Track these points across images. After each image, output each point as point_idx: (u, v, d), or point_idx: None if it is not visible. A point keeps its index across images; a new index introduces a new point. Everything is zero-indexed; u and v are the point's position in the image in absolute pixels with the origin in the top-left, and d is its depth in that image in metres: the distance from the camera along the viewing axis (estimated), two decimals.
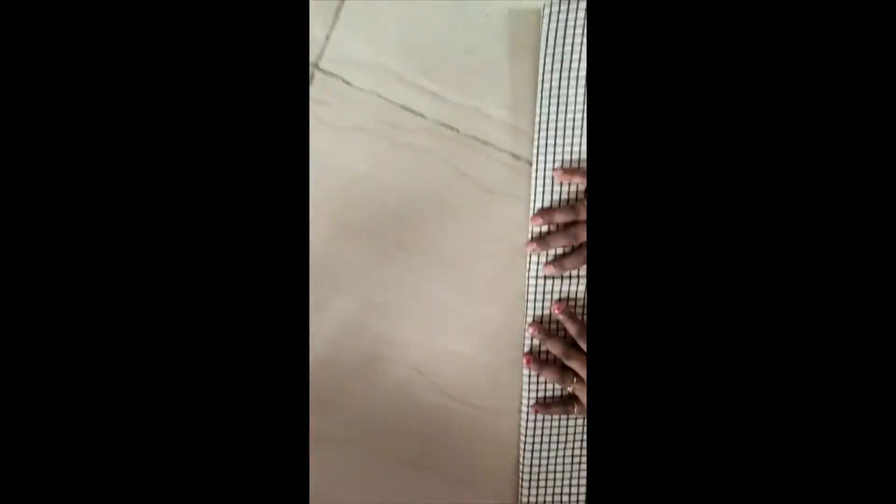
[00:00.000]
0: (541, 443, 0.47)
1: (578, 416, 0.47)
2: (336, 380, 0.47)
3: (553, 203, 0.46)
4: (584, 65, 0.44)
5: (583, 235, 0.45)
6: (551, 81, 0.44)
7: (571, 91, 0.44)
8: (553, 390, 0.47)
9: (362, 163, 0.46)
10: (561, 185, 0.46)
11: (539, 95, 0.45)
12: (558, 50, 0.44)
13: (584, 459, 0.48)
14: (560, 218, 0.45)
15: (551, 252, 0.46)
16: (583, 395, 0.45)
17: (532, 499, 0.47)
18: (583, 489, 0.48)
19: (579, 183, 0.45)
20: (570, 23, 0.44)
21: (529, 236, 0.46)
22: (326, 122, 0.46)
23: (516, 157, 0.46)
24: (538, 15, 0.45)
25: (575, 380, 0.45)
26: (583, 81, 0.44)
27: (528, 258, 0.46)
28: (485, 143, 0.46)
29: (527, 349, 0.47)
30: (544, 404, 0.47)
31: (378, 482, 0.48)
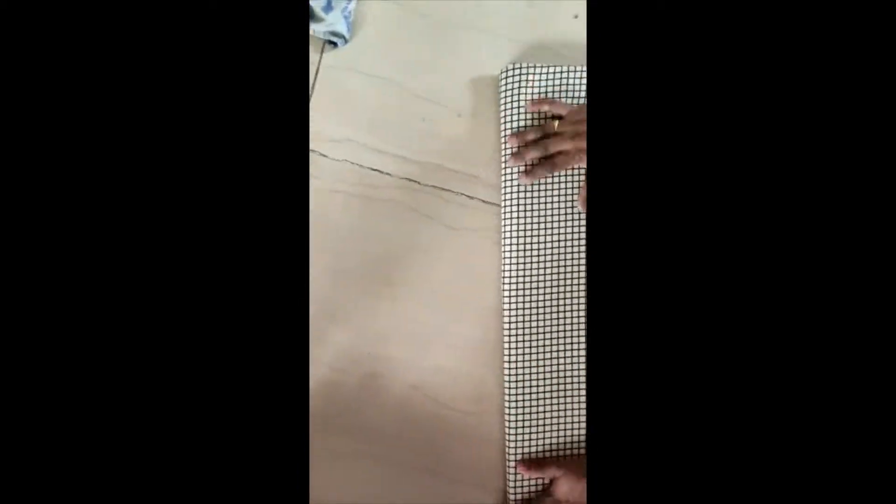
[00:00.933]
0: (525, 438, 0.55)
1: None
2: (341, 401, 0.55)
3: (523, 226, 0.56)
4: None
5: (552, 146, 0.53)
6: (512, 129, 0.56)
7: None
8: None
9: (345, 218, 0.56)
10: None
11: (503, 143, 0.56)
12: (515, 103, 0.56)
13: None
14: (531, 136, 0.55)
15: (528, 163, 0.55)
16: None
17: (518, 487, 0.55)
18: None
19: (547, 110, 0.55)
20: (524, 81, 0.56)
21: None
22: (312, 189, 0.56)
23: (470, 197, 0.57)
24: (478, 83, 0.56)
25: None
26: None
27: (501, 281, 0.56)
28: (442, 189, 0.57)
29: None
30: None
31: (385, 488, 0.55)
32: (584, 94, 0.57)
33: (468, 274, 0.57)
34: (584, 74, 0.57)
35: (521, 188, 0.55)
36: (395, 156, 0.56)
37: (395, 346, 0.56)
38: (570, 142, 0.53)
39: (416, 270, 0.56)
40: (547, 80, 0.56)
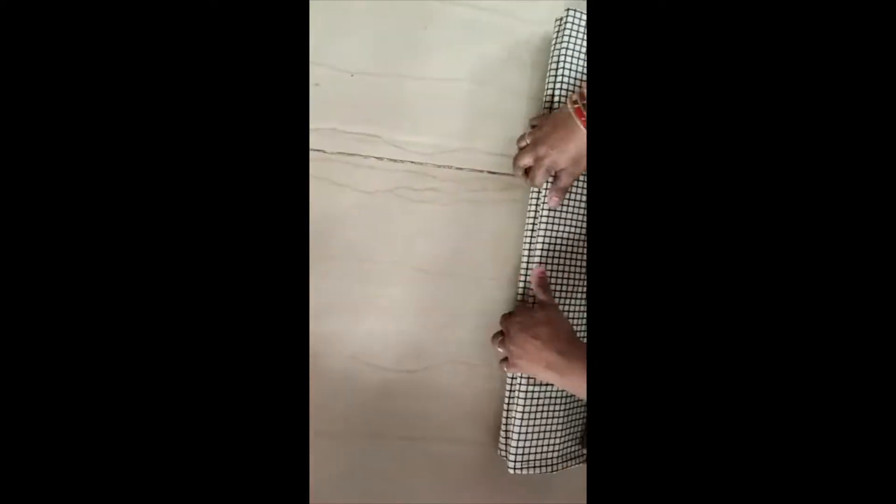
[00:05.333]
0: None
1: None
2: None
3: None
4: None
5: (519, 161, 0.55)
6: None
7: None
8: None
9: None
10: None
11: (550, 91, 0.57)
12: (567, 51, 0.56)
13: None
14: (520, 144, 0.56)
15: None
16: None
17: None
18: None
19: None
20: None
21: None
22: None
23: (378, 158, 0.56)
24: (366, 40, 0.55)
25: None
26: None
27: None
28: (350, 154, 0.55)
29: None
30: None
31: (355, 463, 0.54)
32: None
33: (387, 236, 0.56)
34: None
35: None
36: None
37: (327, 321, 0.54)
38: (530, 156, 0.55)
39: (336, 240, 0.55)
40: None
